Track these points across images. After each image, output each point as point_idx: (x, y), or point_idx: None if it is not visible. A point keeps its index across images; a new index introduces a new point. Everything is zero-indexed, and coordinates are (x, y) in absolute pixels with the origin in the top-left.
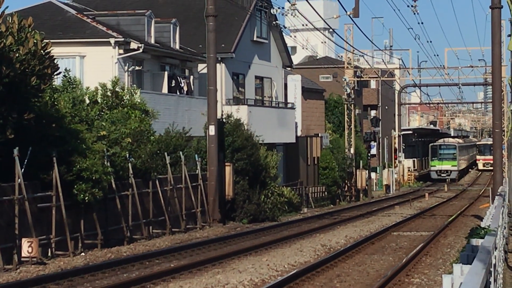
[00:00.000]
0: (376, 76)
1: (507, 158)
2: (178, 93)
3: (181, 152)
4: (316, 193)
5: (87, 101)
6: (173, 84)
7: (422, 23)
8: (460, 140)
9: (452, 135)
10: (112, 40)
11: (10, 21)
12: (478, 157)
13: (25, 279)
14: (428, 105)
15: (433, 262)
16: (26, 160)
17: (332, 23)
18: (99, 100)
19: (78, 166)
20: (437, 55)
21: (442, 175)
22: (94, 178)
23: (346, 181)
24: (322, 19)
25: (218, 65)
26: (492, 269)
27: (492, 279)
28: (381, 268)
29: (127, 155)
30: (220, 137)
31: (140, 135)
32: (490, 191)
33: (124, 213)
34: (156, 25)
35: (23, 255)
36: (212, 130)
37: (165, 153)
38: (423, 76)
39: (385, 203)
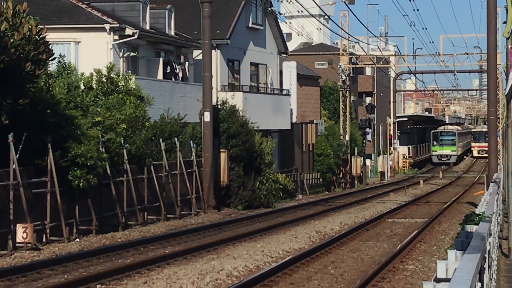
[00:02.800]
0: (372, 63)
1: (502, 145)
2: (173, 79)
3: (176, 139)
4: (311, 180)
5: (82, 87)
6: (168, 70)
7: (417, 9)
8: (459, 128)
9: (447, 122)
10: (107, 26)
11: (4, 6)
12: (473, 144)
13: (20, 265)
14: (423, 92)
15: (428, 248)
16: (21, 146)
17: (327, 10)
18: (94, 86)
19: (73, 152)
20: (433, 42)
21: (443, 159)
22: (89, 164)
23: (341, 168)
24: (318, 5)
25: (213, 51)
26: (486, 255)
27: (486, 265)
28: (375, 255)
29: (122, 141)
30: (215, 123)
31: (135, 121)
32: (485, 178)
33: (119, 199)
34: (151, 11)
35: (17, 240)
36: (207, 116)
37: (160, 139)
38: (419, 63)
39: (379, 190)
